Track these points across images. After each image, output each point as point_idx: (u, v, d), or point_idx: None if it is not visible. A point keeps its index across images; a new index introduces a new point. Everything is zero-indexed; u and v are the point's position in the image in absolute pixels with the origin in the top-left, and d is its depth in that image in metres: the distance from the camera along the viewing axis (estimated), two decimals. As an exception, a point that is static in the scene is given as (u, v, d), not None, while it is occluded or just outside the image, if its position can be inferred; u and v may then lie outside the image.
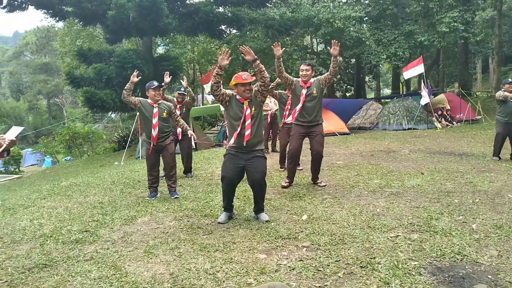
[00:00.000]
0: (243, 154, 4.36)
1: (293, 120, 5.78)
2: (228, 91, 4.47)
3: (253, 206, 4.60)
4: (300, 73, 5.69)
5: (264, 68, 4.29)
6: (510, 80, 7.51)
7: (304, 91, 5.64)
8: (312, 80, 5.70)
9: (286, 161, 6.09)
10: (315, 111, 5.70)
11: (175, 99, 7.26)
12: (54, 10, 17.57)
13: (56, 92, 47.06)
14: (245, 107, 4.32)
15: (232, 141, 4.38)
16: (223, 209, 4.58)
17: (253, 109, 4.35)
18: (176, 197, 5.70)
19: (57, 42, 32.21)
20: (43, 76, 48.71)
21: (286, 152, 6.32)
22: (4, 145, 2.89)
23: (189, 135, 6.27)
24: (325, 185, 5.89)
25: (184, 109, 7.20)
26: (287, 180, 6.02)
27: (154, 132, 5.65)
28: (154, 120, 5.63)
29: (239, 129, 4.30)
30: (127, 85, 5.58)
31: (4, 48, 61.50)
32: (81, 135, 24.98)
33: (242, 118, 4.30)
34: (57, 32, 32.92)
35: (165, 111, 5.75)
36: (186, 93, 7.29)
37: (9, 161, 18.24)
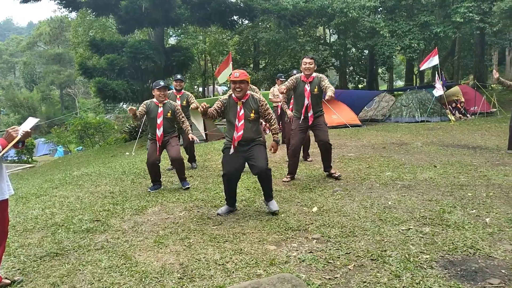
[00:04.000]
0: (241, 146, 4.32)
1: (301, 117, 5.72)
2: (222, 97, 4.50)
3: (262, 195, 4.57)
4: (303, 66, 5.59)
5: (273, 119, 4.52)
6: None
7: (307, 87, 5.56)
8: (314, 75, 5.61)
9: (288, 156, 5.99)
10: (316, 105, 5.67)
11: (173, 90, 7.19)
12: (67, 0, 17.67)
13: (69, 83, 47.50)
14: (238, 107, 4.32)
15: (228, 136, 4.42)
16: (225, 202, 4.55)
17: (251, 114, 4.33)
18: (187, 187, 5.71)
19: (70, 33, 32.42)
20: (56, 66, 49.14)
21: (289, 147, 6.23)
22: (18, 137, 2.80)
23: (190, 138, 5.96)
24: (340, 175, 5.80)
25: (184, 101, 7.05)
26: (288, 176, 5.87)
27: (159, 132, 5.65)
28: (159, 120, 5.64)
29: (232, 128, 4.32)
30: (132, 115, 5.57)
31: (19, 39, 62.09)
32: (93, 125, 25.20)
33: (236, 118, 4.31)
34: (70, 23, 33.12)
35: (170, 111, 5.73)
36: (183, 80, 7.15)
37: (22, 150, 18.44)
